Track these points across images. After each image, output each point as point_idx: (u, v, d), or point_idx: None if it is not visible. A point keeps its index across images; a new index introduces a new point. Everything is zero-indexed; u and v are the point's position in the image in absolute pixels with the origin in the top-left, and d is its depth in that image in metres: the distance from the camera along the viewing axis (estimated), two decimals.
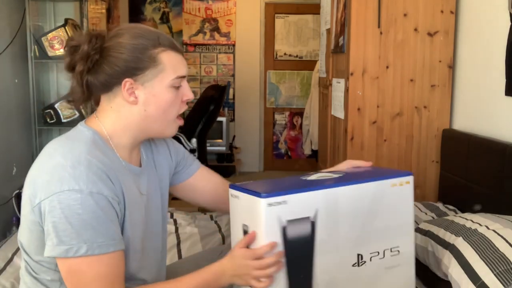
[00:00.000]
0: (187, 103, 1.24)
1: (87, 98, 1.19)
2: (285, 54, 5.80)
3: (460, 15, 2.68)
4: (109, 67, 1.14)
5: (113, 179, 1.09)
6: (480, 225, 1.52)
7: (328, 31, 3.26)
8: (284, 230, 1.15)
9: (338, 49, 2.93)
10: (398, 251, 1.29)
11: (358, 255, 1.24)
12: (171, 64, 1.17)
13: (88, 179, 1.04)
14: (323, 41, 3.45)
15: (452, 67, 2.71)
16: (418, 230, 1.76)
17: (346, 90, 2.75)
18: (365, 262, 1.25)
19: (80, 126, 1.19)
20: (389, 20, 2.66)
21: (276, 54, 5.81)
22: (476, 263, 1.35)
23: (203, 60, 5.78)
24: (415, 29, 2.67)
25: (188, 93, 1.22)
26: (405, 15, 2.66)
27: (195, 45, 5.75)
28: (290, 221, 1.15)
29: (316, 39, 5.54)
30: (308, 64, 5.59)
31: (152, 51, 1.15)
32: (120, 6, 5.16)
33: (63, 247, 1.03)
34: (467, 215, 1.68)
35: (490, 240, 1.40)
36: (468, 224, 1.56)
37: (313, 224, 1.18)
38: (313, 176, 1.32)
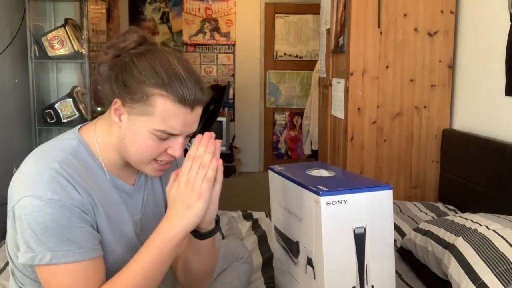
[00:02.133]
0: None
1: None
2: (285, 54, 5.80)
3: (460, 15, 2.68)
4: (115, 80, 1.07)
5: (81, 189, 1.02)
6: (480, 225, 1.52)
7: (328, 31, 3.26)
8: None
9: (338, 49, 2.93)
10: None
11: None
12: (163, 113, 1.03)
13: (50, 187, 0.98)
14: (323, 41, 3.45)
15: (452, 67, 2.71)
16: (418, 230, 1.76)
17: (346, 90, 2.75)
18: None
19: (72, 132, 1.13)
20: (389, 20, 2.66)
21: (276, 54, 5.81)
22: (476, 263, 1.35)
23: (203, 60, 5.77)
24: (415, 29, 2.67)
25: (175, 149, 1.08)
26: (405, 15, 2.66)
27: (195, 45, 5.75)
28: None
29: (316, 39, 5.54)
30: (308, 64, 5.59)
31: (149, 89, 1.03)
32: (120, 6, 5.16)
33: (30, 254, 0.98)
34: (467, 215, 1.67)
35: (490, 240, 1.40)
36: (468, 224, 1.56)
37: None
38: (315, 172, 1.36)
